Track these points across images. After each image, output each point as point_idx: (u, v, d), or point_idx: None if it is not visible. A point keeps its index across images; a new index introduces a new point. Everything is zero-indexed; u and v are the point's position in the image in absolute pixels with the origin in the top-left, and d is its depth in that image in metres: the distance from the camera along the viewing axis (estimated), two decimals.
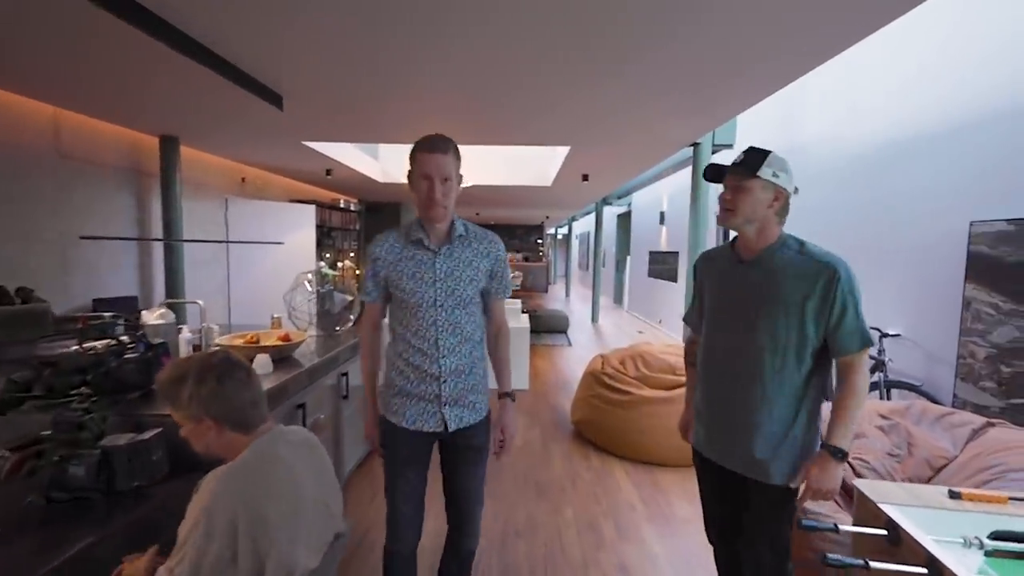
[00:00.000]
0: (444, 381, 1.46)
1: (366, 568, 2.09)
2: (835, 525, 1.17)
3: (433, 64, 2.41)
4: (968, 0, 2.89)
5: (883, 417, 2.47)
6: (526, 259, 16.77)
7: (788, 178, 1.31)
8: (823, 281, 1.24)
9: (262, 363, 2.04)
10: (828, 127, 4.15)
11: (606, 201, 9.99)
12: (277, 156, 4.91)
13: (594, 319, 9.80)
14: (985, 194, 2.73)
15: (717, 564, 1.62)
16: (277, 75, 2.59)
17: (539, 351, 6.84)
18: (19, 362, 1.57)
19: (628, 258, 11.72)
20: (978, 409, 2.64)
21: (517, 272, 12.61)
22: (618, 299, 12.96)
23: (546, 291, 15.76)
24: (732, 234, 1.45)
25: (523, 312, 5.94)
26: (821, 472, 1.24)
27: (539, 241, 17.50)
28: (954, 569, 0.93)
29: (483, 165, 6.47)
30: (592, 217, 15.02)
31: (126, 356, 1.67)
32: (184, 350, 2.21)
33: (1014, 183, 2.57)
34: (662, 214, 8.71)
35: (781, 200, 1.32)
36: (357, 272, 9.20)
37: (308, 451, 1.12)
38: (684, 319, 1.66)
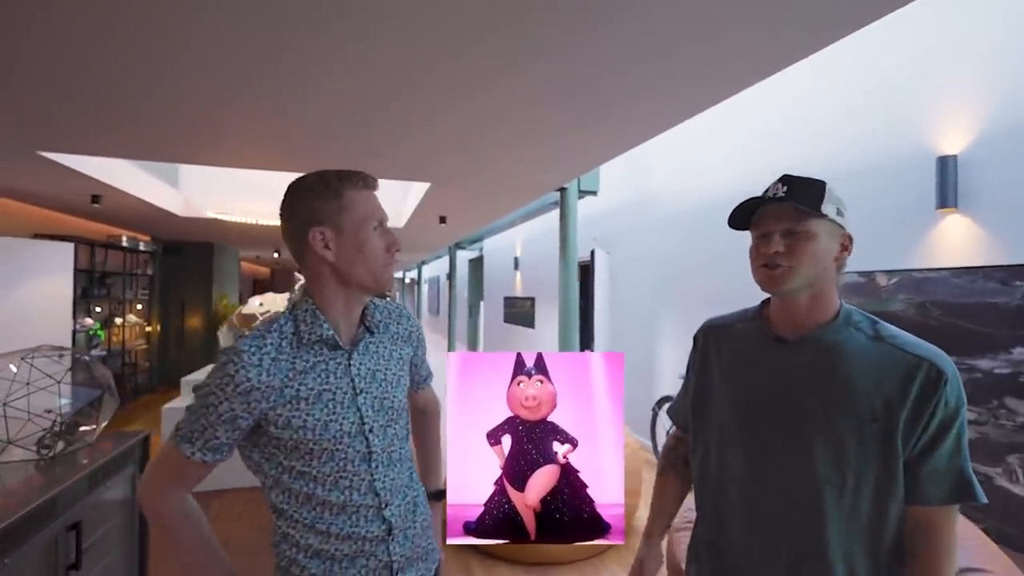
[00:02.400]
0: (394, 538, 0.94)
1: None
2: None
3: (245, 65, 1.66)
4: (821, 70, 3.17)
5: None
6: None
7: (846, 220, 0.88)
8: (920, 384, 0.79)
9: None
10: (674, 178, 4.33)
11: (459, 246, 9.65)
12: (4, 171, 3.38)
13: None
14: None
15: None
16: None
17: None
18: None
19: (482, 303, 11.47)
20: None
21: None
22: (473, 345, 12.57)
23: None
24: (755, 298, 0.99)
25: None
26: None
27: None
28: None
29: None
30: (441, 262, 14.62)
31: None
32: None
33: (866, 239, 2.75)
34: (516, 259, 8.65)
35: (849, 251, 0.88)
36: (148, 329, 7.19)
37: None
38: (669, 413, 1.14)
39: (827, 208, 0.85)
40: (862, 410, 0.81)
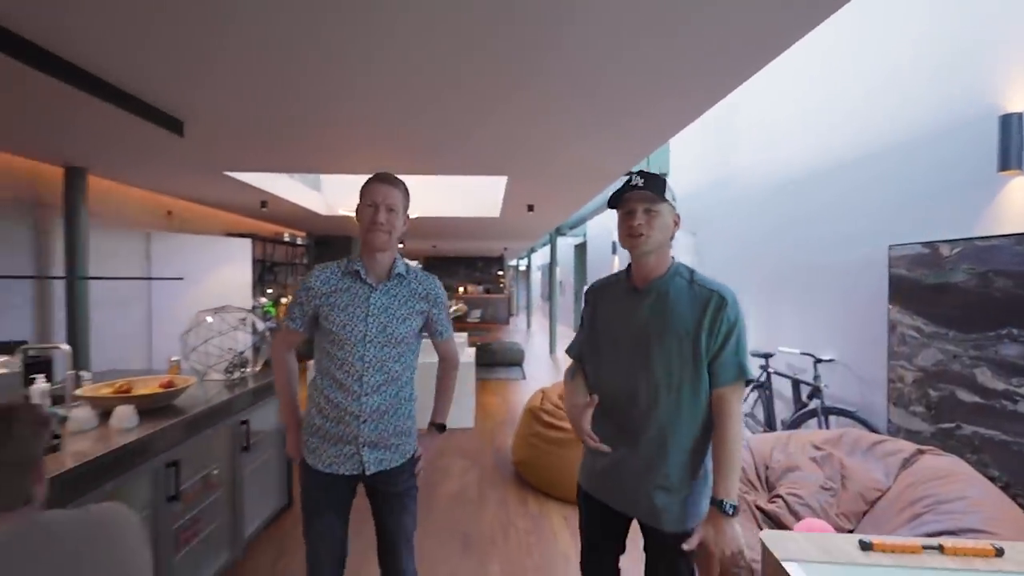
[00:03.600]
0: (365, 421, 1.41)
1: None
2: None
3: (349, 92, 2.29)
4: (875, 31, 3.02)
5: (816, 448, 2.38)
6: (487, 291, 16.59)
7: (677, 204, 1.29)
8: (711, 309, 1.20)
9: (123, 416, 1.77)
10: (756, 153, 4.24)
11: (559, 231, 10.03)
12: (200, 187, 4.65)
13: (552, 350, 9.65)
14: (902, 218, 2.78)
15: None
16: (175, 98, 2.41)
17: (491, 386, 6.61)
18: None
19: (585, 288, 11.74)
20: (911, 435, 2.59)
21: (476, 307, 12.40)
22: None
23: (507, 323, 15.59)
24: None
25: (470, 346, 5.74)
26: (717, 534, 1.14)
27: (500, 273, 17.43)
28: None
29: (430, 196, 6.36)
30: (550, 248, 15.13)
31: None
32: (40, 403, 1.91)
33: (929, 207, 2.62)
34: (613, 244, 8.78)
35: (678, 225, 1.28)
36: None
37: (78, 545, 0.85)
38: (568, 351, 1.50)
39: (668, 195, 1.24)
40: (681, 330, 1.21)
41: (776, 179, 3.94)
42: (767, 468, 2.42)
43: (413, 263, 1.58)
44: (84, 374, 2.21)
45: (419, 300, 1.49)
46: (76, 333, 3.71)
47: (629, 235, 1.25)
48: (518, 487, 3.30)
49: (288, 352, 1.58)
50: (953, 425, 2.40)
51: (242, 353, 2.71)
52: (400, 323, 1.44)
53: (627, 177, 1.27)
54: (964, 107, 2.38)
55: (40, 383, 1.93)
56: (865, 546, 1.08)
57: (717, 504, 1.15)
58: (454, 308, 5.24)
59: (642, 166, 4.11)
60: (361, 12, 1.64)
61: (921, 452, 2.20)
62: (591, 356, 1.39)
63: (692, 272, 1.28)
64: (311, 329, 1.50)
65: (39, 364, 2.50)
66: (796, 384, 3.38)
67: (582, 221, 9.61)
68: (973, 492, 1.89)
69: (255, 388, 2.55)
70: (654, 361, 1.23)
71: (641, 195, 1.23)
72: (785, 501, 2.17)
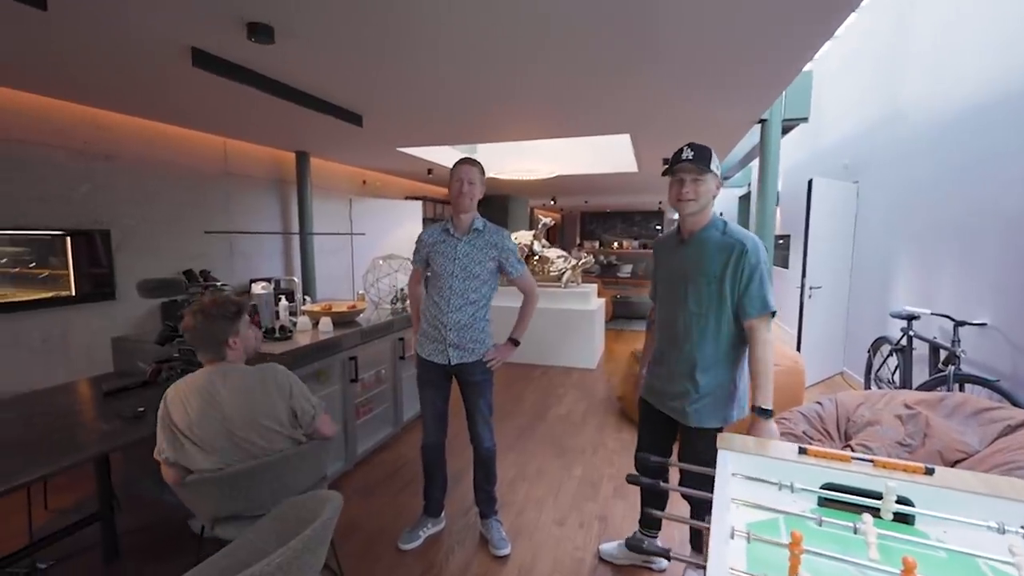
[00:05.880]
0: (449, 329, 2.03)
1: (415, 474, 2.69)
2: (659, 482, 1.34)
3: (494, 82, 2.86)
4: None
5: (907, 407, 2.31)
6: (644, 246, 16.32)
7: (720, 171, 1.54)
8: (735, 254, 1.50)
9: (325, 323, 2.73)
10: (925, 87, 3.62)
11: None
12: (380, 160, 5.82)
13: None
14: None
15: (642, 493, 1.93)
16: (355, 101, 3.28)
17: (625, 336, 6.93)
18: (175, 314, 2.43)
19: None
20: None
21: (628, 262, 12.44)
22: None
23: None
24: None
25: (599, 296, 6.12)
26: (754, 429, 1.49)
27: (658, 228, 16.90)
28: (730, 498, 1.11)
29: (572, 156, 6.70)
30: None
31: None
32: (282, 315, 3.00)
33: None
34: (777, 194, 7.98)
35: (720, 188, 1.56)
36: None
37: (243, 381, 1.49)
38: (649, 295, 1.89)
39: (713, 166, 1.51)
40: (711, 274, 1.55)
41: (943, 116, 3.37)
42: (848, 421, 2.43)
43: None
44: (307, 298, 3.31)
45: (491, 248, 2.04)
46: (306, 272, 5.20)
47: (678, 199, 1.55)
48: (618, 417, 3.73)
49: (417, 284, 2.29)
50: None
51: (402, 289, 3.62)
52: (476, 264, 2.03)
53: (680, 149, 1.52)
54: None
55: (283, 302, 3.02)
56: (802, 451, 1.30)
57: (753, 408, 1.51)
58: (583, 260, 5.65)
59: (778, 112, 3.85)
60: (498, 28, 2.14)
61: None
62: (657, 296, 1.79)
63: (726, 224, 1.56)
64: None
65: (287, 293, 3.78)
66: (935, 349, 3.05)
67: (743, 169, 8.86)
68: None
69: (409, 315, 3.43)
70: (688, 297, 1.58)
71: (690, 167, 1.51)
72: (852, 450, 2.21)
